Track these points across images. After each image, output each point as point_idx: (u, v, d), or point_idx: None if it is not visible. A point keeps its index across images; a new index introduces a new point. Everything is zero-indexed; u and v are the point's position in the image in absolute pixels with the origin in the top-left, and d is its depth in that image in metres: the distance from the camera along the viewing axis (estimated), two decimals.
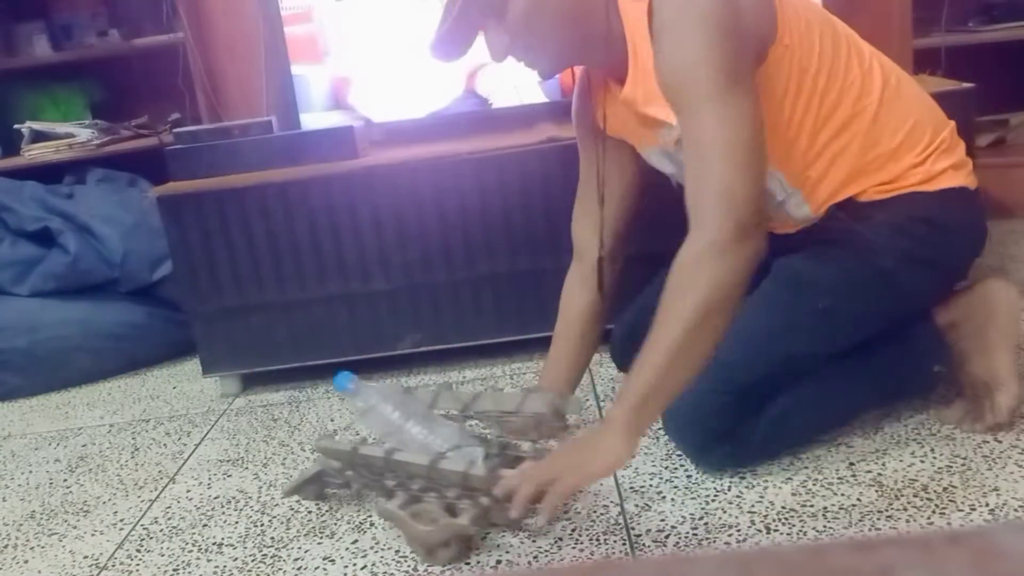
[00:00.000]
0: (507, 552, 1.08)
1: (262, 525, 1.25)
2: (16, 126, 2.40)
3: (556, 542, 1.09)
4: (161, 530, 1.28)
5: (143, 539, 1.26)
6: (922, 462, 1.17)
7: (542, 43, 1.12)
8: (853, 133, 1.14)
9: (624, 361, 1.40)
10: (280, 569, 1.13)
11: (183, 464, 1.51)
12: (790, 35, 1.09)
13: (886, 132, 1.14)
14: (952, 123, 1.23)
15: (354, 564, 1.11)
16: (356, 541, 1.17)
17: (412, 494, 1.10)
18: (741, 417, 1.18)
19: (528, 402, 1.23)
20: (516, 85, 1.87)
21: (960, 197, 1.19)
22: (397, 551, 1.13)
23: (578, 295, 1.37)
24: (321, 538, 1.19)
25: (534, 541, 1.09)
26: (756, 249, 0.99)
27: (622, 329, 1.42)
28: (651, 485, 1.20)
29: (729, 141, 0.98)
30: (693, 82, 0.99)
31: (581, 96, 1.33)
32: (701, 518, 1.11)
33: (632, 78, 1.14)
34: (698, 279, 0.96)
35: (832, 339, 1.18)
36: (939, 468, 1.15)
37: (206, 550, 1.21)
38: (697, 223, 0.98)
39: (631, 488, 1.20)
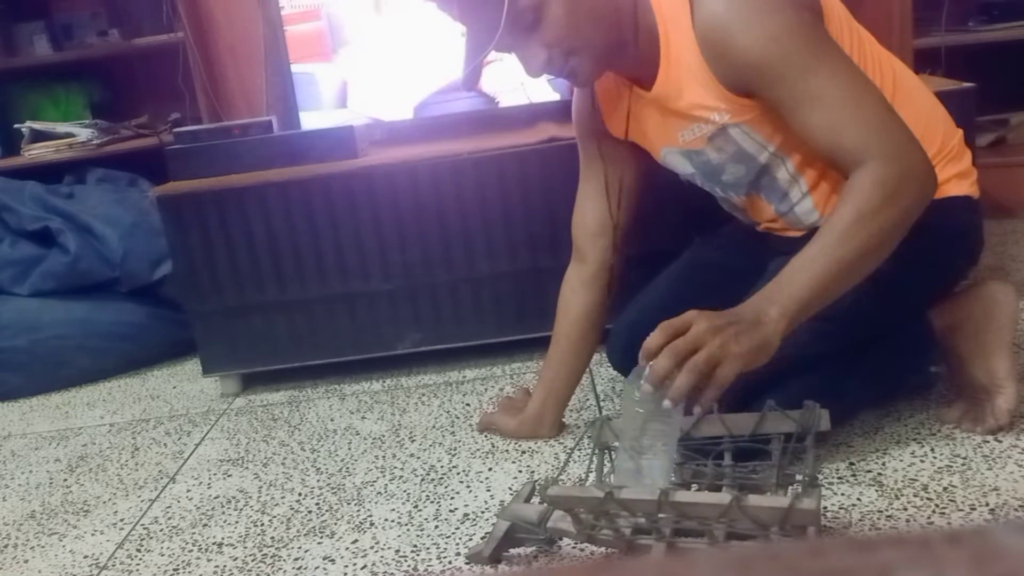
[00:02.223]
0: (506, 551, 1.08)
1: (262, 525, 1.25)
2: (16, 126, 2.40)
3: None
4: (161, 530, 1.28)
5: (143, 539, 1.26)
6: (922, 462, 1.17)
7: (587, 45, 1.10)
8: None
9: (623, 362, 1.40)
10: (280, 569, 1.13)
11: (183, 464, 1.51)
12: (830, 34, 1.10)
13: None
14: (960, 131, 1.23)
15: (354, 564, 1.11)
16: (356, 541, 1.17)
17: (668, 540, 0.92)
18: None
19: (767, 422, 1.04)
20: (523, 83, 1.87)
21: (962, 206, 1.19)
22: (397, 551, 1.13)
23: (580, 295, 1.37)
24: (321, 538, 1.19)
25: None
26: (934, 180, 1.00)
27: (622, 329, 1.42)
28: None
29: (858, 86, 1.01)
30: (791, 48, 1.01)
31: (583, 97, 1.33)
32: None
33: (664, 72, 1.13)
34: (891, 199, 0.96)
35: (822, 340, 1.18)
36: (939, 468, 1.15)
37: (206, 550, 1.21)
38: (869, 156, 0.98)
39: None
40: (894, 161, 0.97)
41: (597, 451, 1.09)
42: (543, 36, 1.08)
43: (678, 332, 0.94)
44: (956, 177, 1.19)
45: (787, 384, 1.18)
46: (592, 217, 1.35)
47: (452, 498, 1.24)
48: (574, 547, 1.06)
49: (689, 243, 1.48)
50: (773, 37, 1.01)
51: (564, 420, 1.42)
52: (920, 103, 1.19)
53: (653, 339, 0.95)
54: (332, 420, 1.61)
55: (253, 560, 1.16)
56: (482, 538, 1.11)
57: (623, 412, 1.02)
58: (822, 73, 1.01)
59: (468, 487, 1.27)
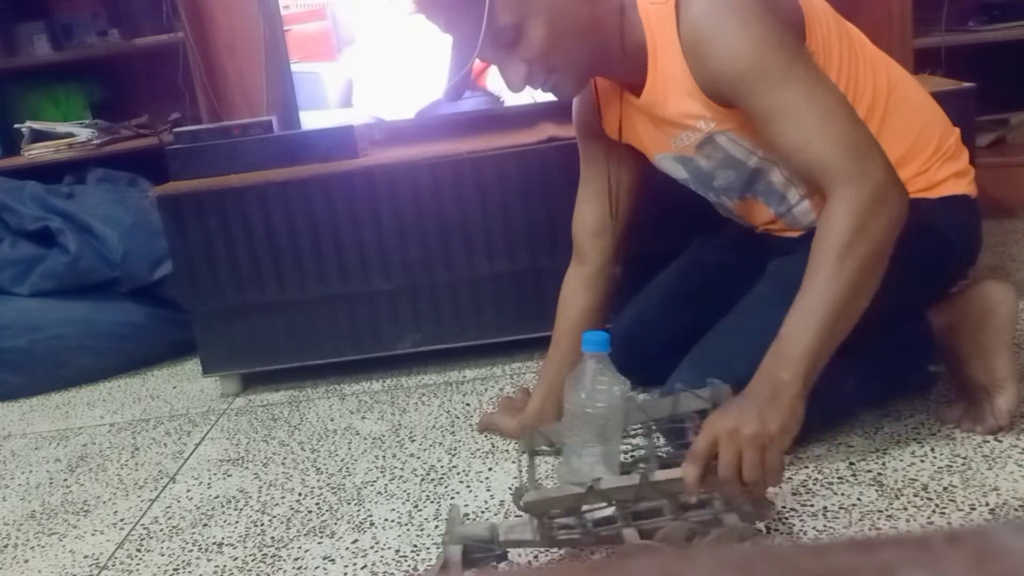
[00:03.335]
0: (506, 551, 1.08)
1: (262, 525, 1.25)
2: (16, 126, 2.41)
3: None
4: (161, 530, 1.28)
5: (143, 539, 1.27)
6: (922, 462, 1.17)
7: (568, 62, 1.10)
8: None
9: (622, 362, 1.39)
10: (280, 569, 1.13)
11: (183, 464, 1.51)
12: (815, 42, 1.10)
13: (893, 140, 1.14)
14: (957, 130, 1.23)
15: (354, 564, 1.11)
16: (356, 541, 1.17)
17: (645, 529, 0.95)
18: None
19: (683, 402, 1.08)
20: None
21: (959, 205, 1.19)
22: (397, 551, 1.13)
23: (580, 296, 1.37)
24: (321, 538, 1.19)
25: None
26: (903, 195, 0.98)
27: (621, 330, 1.42)
28: None
29: (827, 101, 0.99)
30: (765, 61, 1.00)
31: (583, 98, 1.33)
32: None
33: (651, 81, 1.13)
34: (865, 228, 0.95)
35: None
36: (939, 468, 1.15)
37: (206, 550, 1.21)
38: (837, 181, 0.97)
39: None
40: (861, 185, 0.96)
41: (528, 457, 1.09)
42: (523, 54, 1.08)
43: (708, 455, 0.92)
44: (954, 176, 1.19)
45: None
46: (592, 217, 1.35)
47: (452, 498, 1.24)
48: (574, 548, 1.06)
49: (688, 244, 1.48)
50: (749, 49, 1.01)
51: None
52: (916, 103, 1.19)
53: (690, 472, 0.91)
54: (332, 420, 1.61)
55: (253, 560, 1.16)
56: (427, 568, 1.08)
57: (566, 411, 1.04)
58: (793, 89, 1.00)
59: (468, 487, 1.27)
